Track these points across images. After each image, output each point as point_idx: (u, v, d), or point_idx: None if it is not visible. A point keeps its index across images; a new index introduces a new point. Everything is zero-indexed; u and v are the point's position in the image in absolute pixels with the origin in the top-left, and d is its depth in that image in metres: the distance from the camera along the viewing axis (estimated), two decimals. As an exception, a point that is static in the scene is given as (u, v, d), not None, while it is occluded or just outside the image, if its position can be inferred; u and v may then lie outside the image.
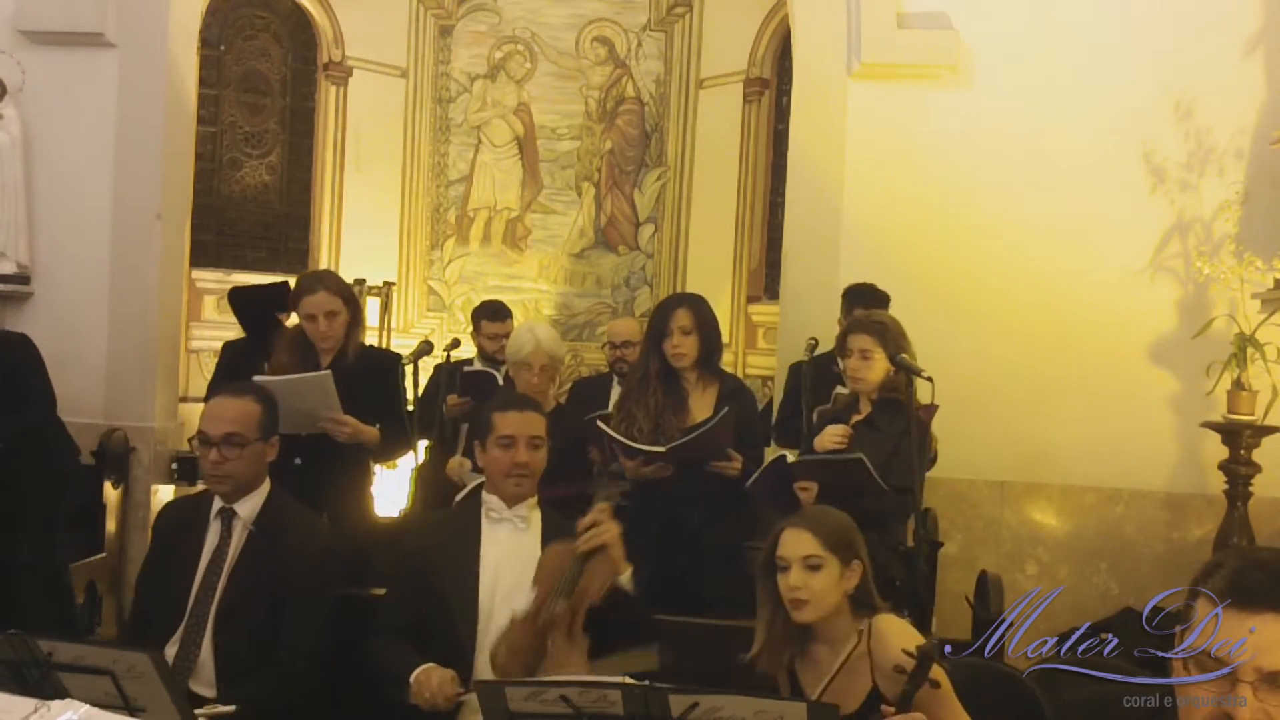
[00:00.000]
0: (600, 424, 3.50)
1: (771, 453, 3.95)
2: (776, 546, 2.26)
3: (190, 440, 2.78)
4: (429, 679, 2.40)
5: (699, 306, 3.54)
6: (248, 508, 2.67)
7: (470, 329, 5.24)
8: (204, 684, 2.53)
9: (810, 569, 2.20)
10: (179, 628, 2.56)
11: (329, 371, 3.50)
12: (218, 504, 2.67)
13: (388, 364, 3.89)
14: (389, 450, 3.86)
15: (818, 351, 4.30)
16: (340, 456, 3.60)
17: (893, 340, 3.35)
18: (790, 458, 3.33)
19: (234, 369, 3.66)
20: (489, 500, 2.66)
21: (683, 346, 3.45)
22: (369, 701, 2.55)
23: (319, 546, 2.71)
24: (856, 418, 3.44)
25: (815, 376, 4.22)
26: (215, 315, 7.23)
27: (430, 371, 4.70)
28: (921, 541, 3.39)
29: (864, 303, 4.11)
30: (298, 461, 3.47)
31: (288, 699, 2.54)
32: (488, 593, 2.55)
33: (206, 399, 2.97)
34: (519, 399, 2.80)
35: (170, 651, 2.51)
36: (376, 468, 4.07)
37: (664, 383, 3.48)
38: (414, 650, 2.49)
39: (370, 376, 3.63)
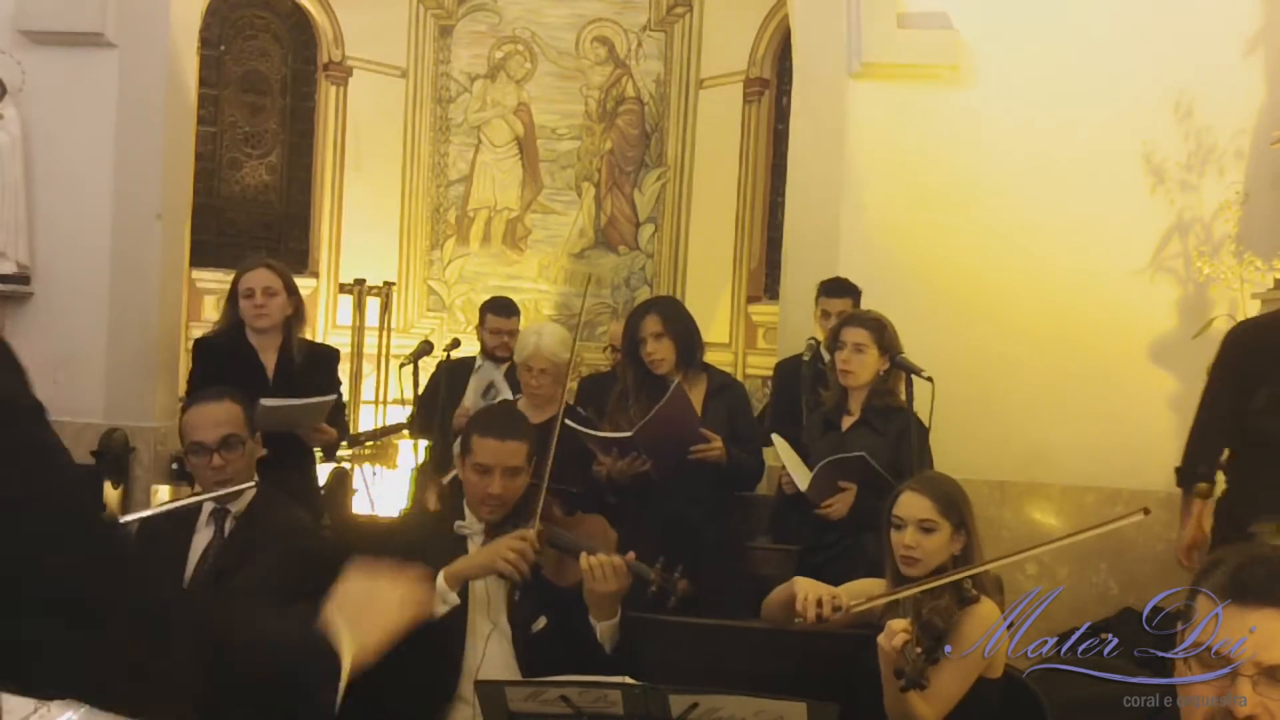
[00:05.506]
0: (569, 421, 3.38)
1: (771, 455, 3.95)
2: (895, 505, 2.41)
3: (185, 452, 2.73)
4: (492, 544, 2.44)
5: (666, 308, 3.52)
6: (239, 504, 2.68)
7: (471, 325, 5.25)
8: None
9: (924, 531, 2.36)
10: None
11: (334, 396, 3.64)
12: (209, 506, 2.67)
13: (331, 359, 3.96)
14: (336, 446, 3.94)
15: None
16: (292, 444, 3.62)
17: (889, 339, 3.34)
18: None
19: (212, 369, 3.64)
20: (466, 513, 2.64)
21: (658, 352, 3.41)
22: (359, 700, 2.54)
23: (289, 531, 2.67)
24: (849, 419, 3.43)
25: (815, 377, 4.22)
26: (215, 315, 7.21)
27: (430, 371, 4.70)
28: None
29: (837, 294, 4.17)
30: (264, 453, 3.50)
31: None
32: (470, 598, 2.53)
33: (185, 404, 2.93)
34: (502, 423, 2.60)
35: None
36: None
37: (648, 391, 3.44)
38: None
39: (318, 374, 3.72)
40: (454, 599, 2.42)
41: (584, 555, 2.42)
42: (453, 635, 2.49)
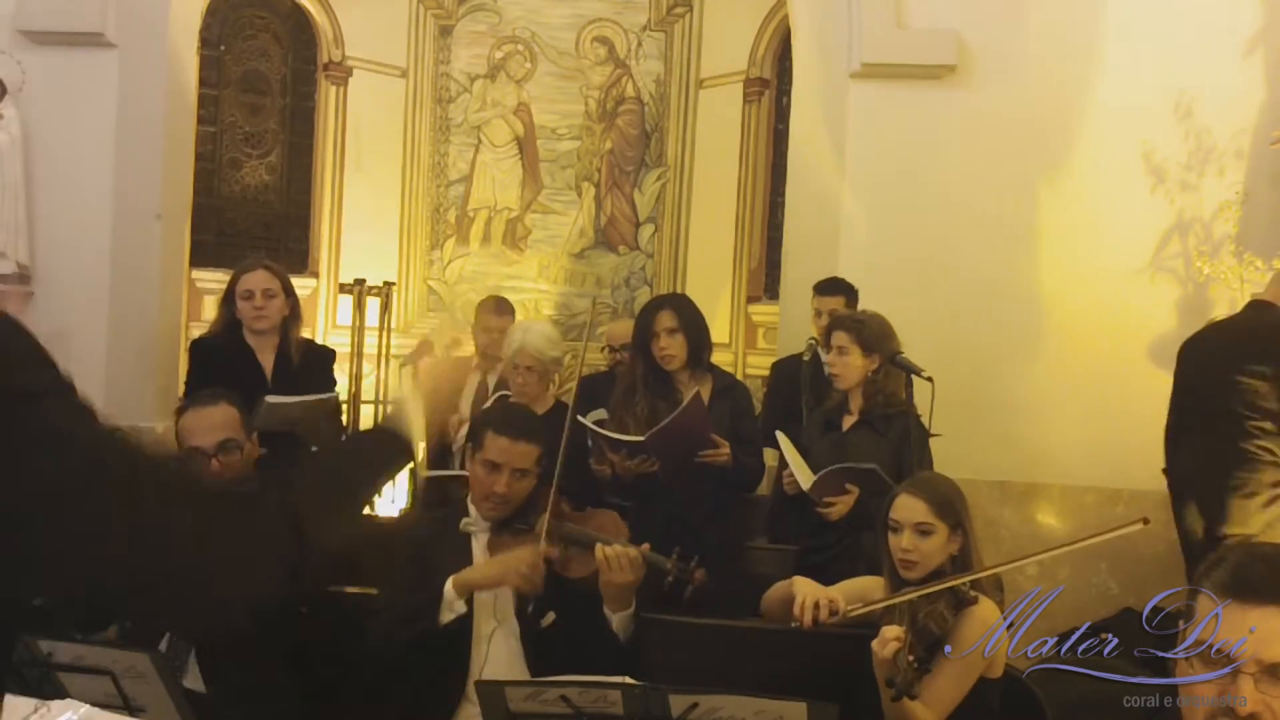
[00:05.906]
0: (580, 419, 3.40)
1: (770, 456, 3.94)
2: (891, 509, 2.40)
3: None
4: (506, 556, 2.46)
5: (682, 305, 3.53)
6: None
7: (470, 325, 5.23)
8: (195, 679, 2.51)
9: (921, 534, 2.34)
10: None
11: (335, 394, 3.70)
12: None
13: (327, 359, 3.98)
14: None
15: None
16: (286, 443, 3.59)
17: (871, 338, 3.34)
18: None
19: (210, 370, 3.65)
20: (470, 510, 2.65)
21: (670, 348, 3.43)
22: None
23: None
24: (849, 419, 3.43)
25: (815, 377, 4.22)
26: (215, 315, 7.23)
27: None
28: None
29: (830, 292, 4.20)
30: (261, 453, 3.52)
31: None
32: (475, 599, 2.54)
33: (181, 407, 2.92)
34: (517, 424, 2.61)
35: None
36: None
37: (656, 386, 3.45)
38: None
39: (317, 375, 3.75)
40: (461, 607, 2.42)
41: (599, 546, 2.43)
42: (459, 639, 2.49)
